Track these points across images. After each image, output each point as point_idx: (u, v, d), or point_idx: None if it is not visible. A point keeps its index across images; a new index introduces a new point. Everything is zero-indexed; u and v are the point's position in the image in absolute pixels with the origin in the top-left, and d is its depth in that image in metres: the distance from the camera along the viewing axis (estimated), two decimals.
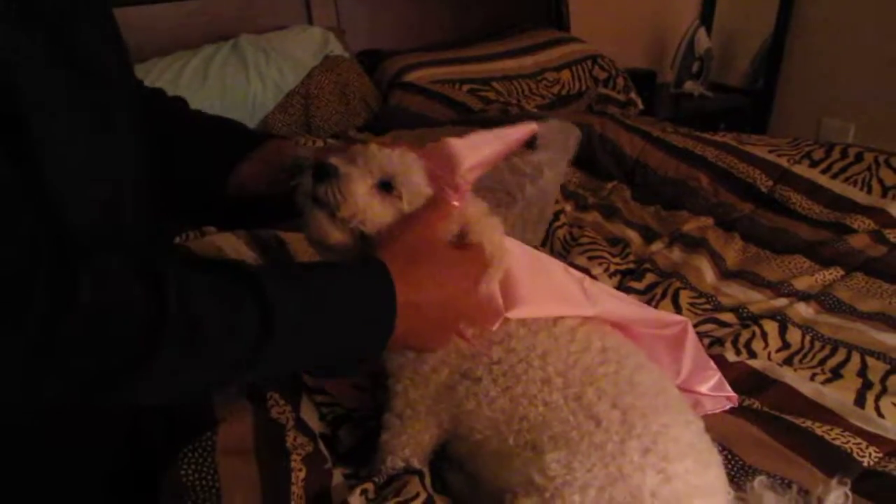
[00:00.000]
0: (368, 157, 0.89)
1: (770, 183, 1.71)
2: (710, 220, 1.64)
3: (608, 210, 1.71)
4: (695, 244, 1.54)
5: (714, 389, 1.07)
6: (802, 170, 1.71)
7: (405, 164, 0.89)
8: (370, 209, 0.85)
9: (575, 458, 0.83)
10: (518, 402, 0.88)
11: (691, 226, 1.61)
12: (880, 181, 1.64)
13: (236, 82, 2.18)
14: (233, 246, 1.42)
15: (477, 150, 0.92)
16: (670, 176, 1.81)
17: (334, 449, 1.04)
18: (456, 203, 0.90)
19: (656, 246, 1.55)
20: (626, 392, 0.87)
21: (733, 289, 1.40)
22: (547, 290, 0.96)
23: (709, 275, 1.44)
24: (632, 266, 1.47)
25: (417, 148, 0.93)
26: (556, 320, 0.92)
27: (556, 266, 1.01)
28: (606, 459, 0.82)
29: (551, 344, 0.90)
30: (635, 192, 1.81)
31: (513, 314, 0.91)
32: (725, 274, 1.46)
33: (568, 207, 1.71)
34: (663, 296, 1.34)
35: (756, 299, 1.36)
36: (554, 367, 0.88)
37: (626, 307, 1.03)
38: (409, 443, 0.97)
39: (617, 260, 1.47)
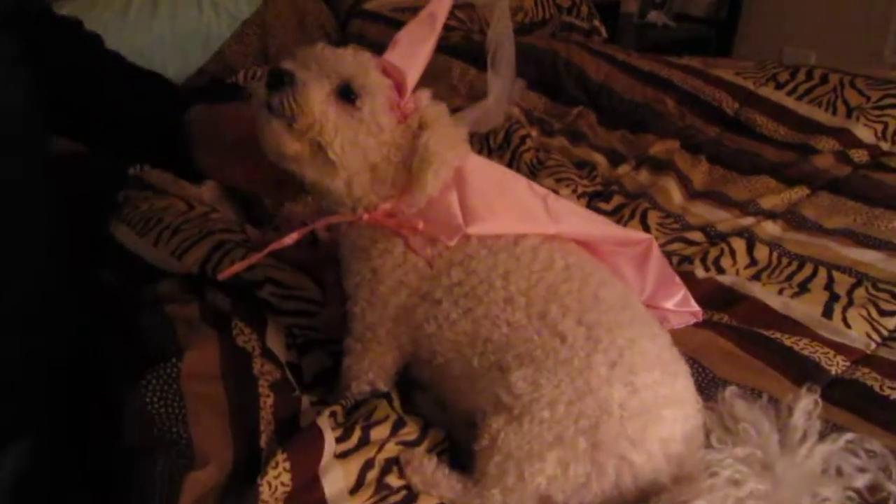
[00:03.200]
0: (322, 61, 0.84)
1: (736, 105, 1.71)
2: (676, 143, 1.63)
3: (574, 135, 1.69)
4: (662, 166, 1.53)
5: (679, 305, 1.06)
6: (768, 92, 1.70)
7: (361, 64, 0.85)
8: (327, 119, 0.82)
9: (541, 374, 0.82)
10: (480, 323, 0.86)
11: (658, 148, 1.59)
12: (845, 102, 1.64)
13: (188, 12, 2.08)
14: None
15: (414, 57, 0.88)
16: (636, 100, 1.79)
17: (301, 378, 1.02)
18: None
19: (623, 169, 1.54)
20: (590, 308, 0.85)
21: (700, 209, 1.40)
22: (509, 207, 0.93)
23: (676, 195, 1.44)
24: (599, 188, 1.46)
25: None
26: (518, 240, 0.90)
27: (519, 182, 0.98)
28: (573, 374, 0.81)
29: (513, 263, 0.88)
30: (601, 116, 1.78)
31: (472, 230, 0.88)
32: (692, 194, 1.46)
33: (534, 133, 1.68)
34: (631, 216, 1.33)
35: (723, 218, 1.36)
36: (516, 286, 0.86)
37: (591, 225, 1.01)
38: (371, 367, 0.95)
39: (585, 182, 1.45)
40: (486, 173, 0.94)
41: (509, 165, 1.52)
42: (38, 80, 0.84)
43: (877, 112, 1.61)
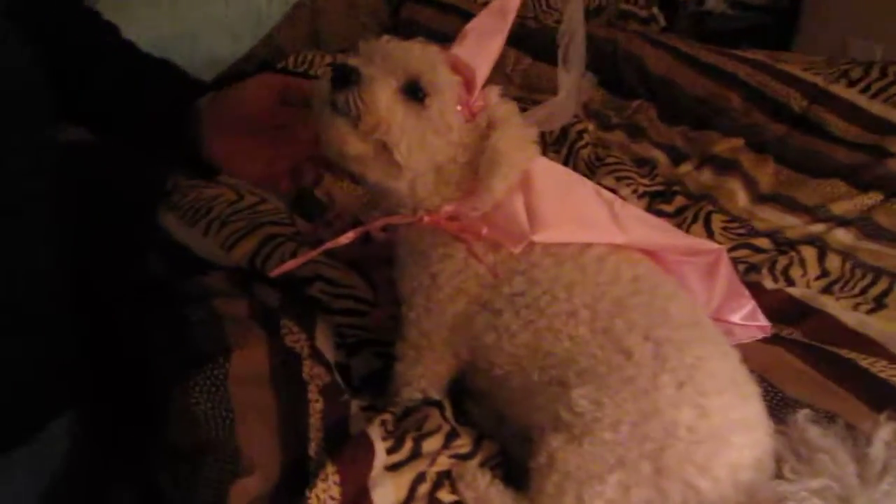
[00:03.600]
0: (387, 55, 0.80)
1: (805, 103, 1.62)
2: (740, 142, 1.56)
3: (633, 130, 1.63)
4: (726, 166, 1.46)
5: (746, 318, 1.00)
6: (839, 89, 1.61)
7: (429, 60, 0.81)
8: (394, 119, 0.78)
9: (604, 393, 0.78)
10: (542, 336, 0.82)
11: (722, 147, 1.53)
12: None
13: None
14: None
15: (484, 52, 0.84)
16: (699, 94, 1.71)
17: (350, 379, 0.99)
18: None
19: (685, 167, 1.48)
20: (658, 323, 0.81)
21: (768, 213, 1.33)
22: (576, 213, 0.88)
23: (741, 198, 1.37)
24: (660, 188, 1.40)
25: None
26: (584, 249, 0.85)
27: (585, 187, 0.94)
28: (638, 394, 0.77)
29: (578, 274, 0.83)
30: (661, 111, 1.71)
31: (539, 237, 0.84)
32: (759, 197, 1.39)
33: (591, 127, 1.62)
34: (694, 219, 1.28)
35: (792, 224, 1.29)
36: (581, 298, 0.82)
37: (658, 234, 0.96)
38: (424, 374, 0.92)
39: (645, 181, 1.40)
40: (553, 177, 0.90)
41: (565, 162, 1.47)
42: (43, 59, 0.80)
43: None
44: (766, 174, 1.45)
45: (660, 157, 1.52)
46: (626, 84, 1.80)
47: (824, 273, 1.16)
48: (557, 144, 1.53)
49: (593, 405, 0.79)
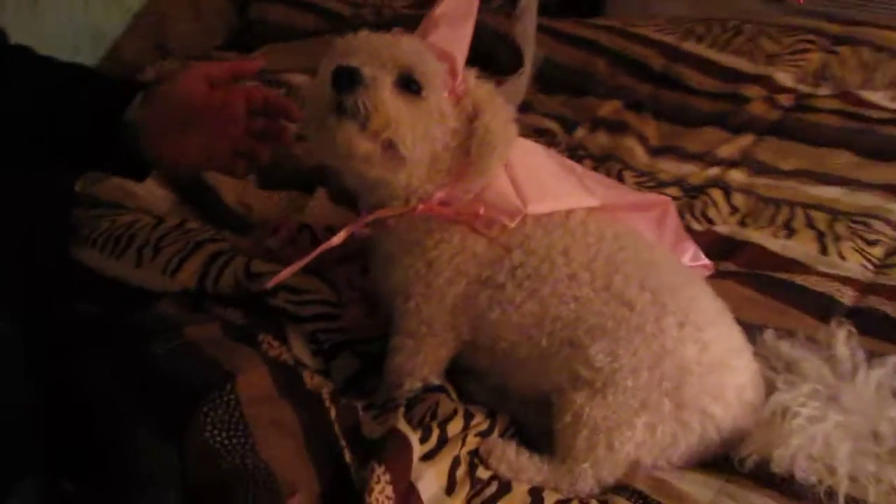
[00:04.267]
0: (373, 50, 0.80)
1: (663, 62, 1.76)
2: (618, 103, 1.67)
3: (519, 104, 1.69)
4: (617, 127, 1.56)
5: (693, 260, 1.10)
6: (691, 46, 1.77)
7: (418, 51, 0.81)
8: (401, 116, 0.78)
9: (617, 344, 0.83)
10: (547, 302, 0.86)
11: (606, 110, 1.63)
12: (762, 50, 1.74)
13: (73, 6, 1.89)
14: (148, 189, 1.26)
15: (459, 37, 0.86)
16: (569, 64, 1.81)
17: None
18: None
19: (580, 132, 1.57)
20: (649, 273, 0.87)
21: (666, 164, 1.45)
22: (555, 183, 0.93)
23: (640, 154, 1.48)
24: (566, 154, 1.47)
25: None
26: (567, 215, 0.90)
27: (552, 157, 0.99)
28: (648, 340, 0.83)
29: (570, 239, 0.88)
30: (538, 84, 1.79)
31: (531, 209, 0.87)
32: (654, 151, 1.50)
33: None
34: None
35: (691, 171, 1.41)
36: (577, 261, 0.87)
37: (615, 192, 1.03)
38: (426, 361, 0.92)
39: (552, 150, 1.46)
40: (526, 151, 0.93)
41: None
42: None
43: (792, 57, 1.72)
44: (651, 129, 1.57)
45: (552, 126, 1.59)
46: (500, 62, 1.85)
47: (734, 210, 1.28)
48: None
49: (610, 357, 0.84)
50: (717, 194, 1.31)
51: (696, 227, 1.22)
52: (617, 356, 0.84)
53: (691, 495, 0.83)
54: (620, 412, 0.83)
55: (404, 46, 0.81)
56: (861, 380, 0.89)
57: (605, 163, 1.42)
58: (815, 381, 0.89)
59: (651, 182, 1.38)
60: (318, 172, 1.25)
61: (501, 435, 0.91)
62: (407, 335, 0.92)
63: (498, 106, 0.86)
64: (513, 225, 0.87)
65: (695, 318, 0.86)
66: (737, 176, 1.38)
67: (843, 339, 0.95)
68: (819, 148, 1.47)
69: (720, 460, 0.86)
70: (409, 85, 0.80)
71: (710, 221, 1.24)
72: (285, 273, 0.87)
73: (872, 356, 0.92)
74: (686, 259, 1.09)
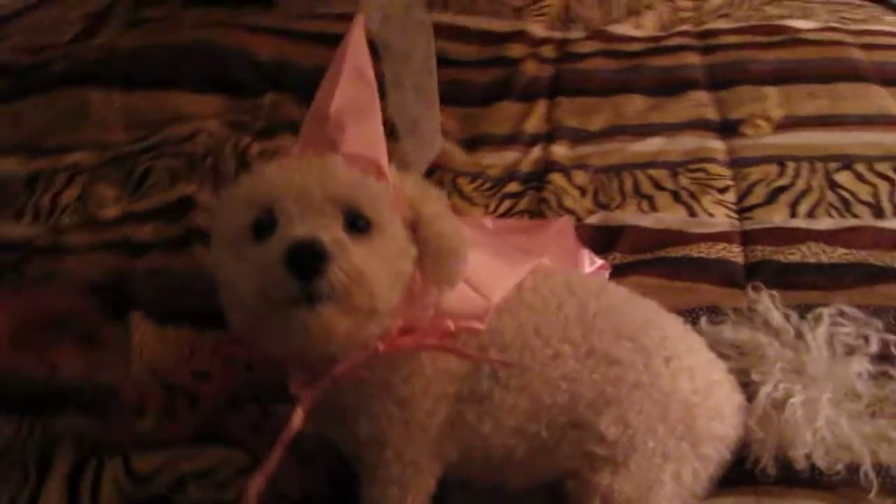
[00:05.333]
0: (303, 190, 0.63)
1: None
2: None
3: (294, 127, 1.49)
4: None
5: (591, 266, 1.07)
6: (439, 16, 1.69)
7: (353, 179, 0.65)
8: (378, 275, 0.62)
9: (624, 409, 0.78)
10: (539, 392, 0.78)
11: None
12: (506, 4, 1.72)
13: None
14: None
15: (373, 135, 0.71)
16: (320, 65, 1.62)
17: None
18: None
19: None
20: (614, 318, 0.82)
21: (487, 157, 1.36)
22: (494, 256, 0.82)
23: (457, 153, 1.38)
24: None
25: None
26: (518, 290, 0.81)
27: (470, 226, 0.87)
28: (648, 391, 0.79)
29: (535, 315, 0.80)
30: (290, 96, 1.59)
31: (495, 299, 0.77)
32: (465, 144, 1.41)
33: (246, 140, 1.43)
34: (452, 191, 1.26)
35: (515, 158, 1.36)
36: (554, 336, 0.79)
37: (522, 235, 0.95)
38: (415, 501, 0.80)
39: None
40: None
41: None
42: None
43: (536, 6, 1.72)
44: (450, 121, 1.47)
45: None
46: (238, 82, 1.62)
47: (583, 191, 1.25)
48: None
49: (622, 426, 0.78)
50: (557, 179, 1.27)
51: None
52: (628, 422, 0.78)
53: None
54: (649, 475, 0.79)
55: (335, 175, 0.64)
56: (812, 344, 0.92)
57: (432, 175, 1.31)
58: (775, 359, 0.91)
59: (486, 184, 1.30)
60: None
61: None
62: (389, 483, 0.78)
63: (434, 200, 0.72)
64: (484, 326, 0.75)
65: (672, 347, 0.83)
66: (560, 151, 1.35)
67: (769, 304, 0.98)
68: (609, 97, 1.49)
69: (736, 476, 0.84)
70: (357, 223, 0.64)
71: (572, 211, 1.21)
72: (260, 477, 0.68)
73: (801, 312, 0.95)
74: (587, 267, 1.05)
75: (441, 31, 1.59)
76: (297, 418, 0.69)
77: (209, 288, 1.11)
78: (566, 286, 0.83)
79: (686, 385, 0.81)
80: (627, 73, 1.56)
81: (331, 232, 0.61)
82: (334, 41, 1.56)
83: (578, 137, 1.40)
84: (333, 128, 0.68)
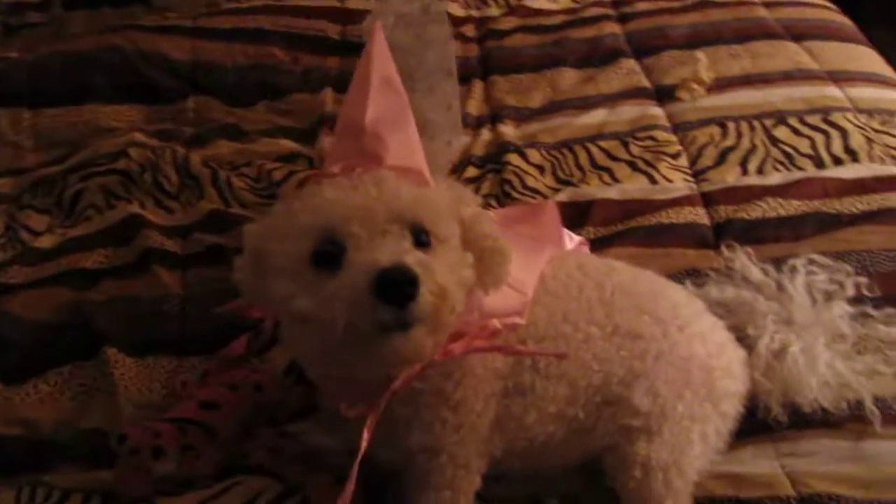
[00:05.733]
0: (368, 212, 0.62)
1: (339, 27, 1.64)
2: (330, 91, 1.50)
3: (220, 131, 1.42)
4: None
5: (571, 243, 1.09)
6: (357, 3, 1.66)
7: (412, 194, 0.63)
8: (454, 289, 0.62)
9: (652, 380, 0.82)
10: (576, 377, 0.80)
11: (328, 107, 1.46)
12: None
13: None
14: None
15: (411, 144, 0.71)
16: (239, 62, 1.57)
17: None
18: None
19: (326, 142, 1.39)
20: (631, 295, 0.85)
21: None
22: (518, 251, 0.82)
23: None
24: None
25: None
26: (543, 279, 0.82)
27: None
28: (670, 359, 0.83)
29: (564, 303, 0.82)
30: (232, 96, 1.52)
31: (531, 292, 0.79)
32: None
33: (177, 150, 1.35)
34: None
35: (465, 143, 1.35)
36: (581, 320, 0.81)
37: (523, 224, 0.95)
38: (466, 501, 0.81)
39: None
40: None
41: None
42: None
43: None
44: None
45: (290, 145, 1.38)
46: (155, 88, 1.52)
47: (541, 169, 1.27)
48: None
49: (653, 396, 0.82)
50: (514, 159, 1.28)
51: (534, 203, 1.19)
52: (658, 392, 0.82)
53: (757, 474, 0.86)
54: (681, 437, 0.83)
55: (397, 193, 0.62)
56: (795, 294, 0.98)
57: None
58: (765, 312, 0.96)
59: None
60: None
61: None
62: (442, 488, 0.78)
63: (470, 201, 0.72)
64: (524, 320, 0.76)
65: (683, 315, 0.87)
66: (508, 131, 1.36)
67: (746, 261, 1.03)
68: (542, 72, 1.51)
69: (749, 427, 0.90)
70: (420, 238, 0.62)
71: (534, 190, 1.22)
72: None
73: (776, 265, 1.02)
74: (568, 245, 1.07)
75: (353, 16, 1.59)
76: (364, 441, 0.67)
77: (180, 311, 1.09)
78: (579, 269, 0.85)
79: (700, 349, 0.85)
80: (553, 48, 1.58)
81: (410, 254, 0.59)
82: (250, 37, 1.58)
83: (521, 116, 1.41)
84: (372, 140, 0.66)
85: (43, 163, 1.37)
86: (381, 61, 0.69)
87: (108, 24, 1.67)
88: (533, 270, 0.80)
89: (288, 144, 1.38)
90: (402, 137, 0.68)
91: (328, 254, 0.60)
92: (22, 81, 1.47)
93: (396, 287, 0.56)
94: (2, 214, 1.27)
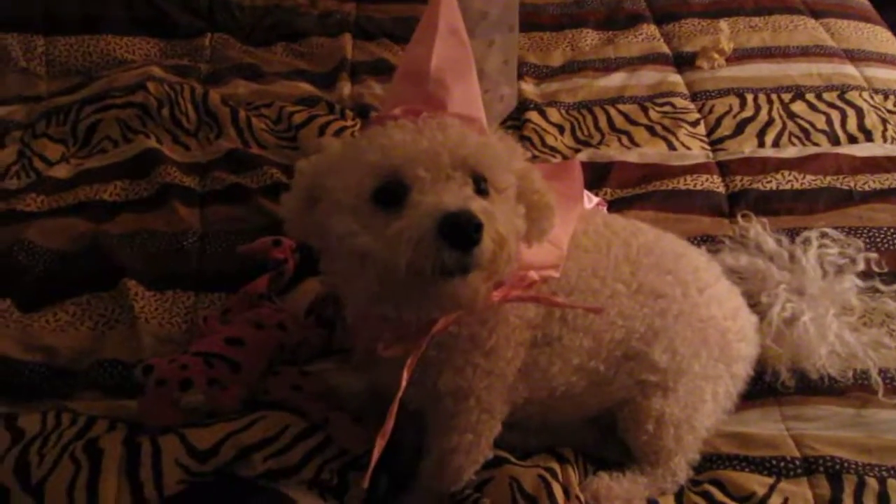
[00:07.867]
0: (434, 154, 0.62)
1: None
2: (348, 37, 1.50)
3: (237, 70, 1.42)
4: (377, 69, 1.42)
5: (590, 203, 1.11)
6: None
7: (476, 144, 0.65)
8: (511, 237, 0.63)
9: (671, 338, 0.84)
10: (601, 331, 0.82)
11: (353, 51, 1.45)
12: None
13: None
14: None
15: (471, 94, 0.72)
16: (258, 2, 1.55)
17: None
18: None
19: (347, 88, 1.39)
20: (655, 254, 0.87)
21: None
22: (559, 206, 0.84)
23: None
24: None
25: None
26: (574, 236, 0.83)
27: None
28: (689, 320, 0.85)
29: (591, 259, 0.83)
30: (250, 36, 1.51)
31: (565, 246, 0.80)
32: None
33: (196, 90, 1.34)
34: None
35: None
36: (610, 276, 0.83)
37: (553, 180, 0.96)
38: (487, 446, 0.84)
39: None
40: None
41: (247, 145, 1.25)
42: None
43: None
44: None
45: (308, 89, 1.38)
46: (172, 23, 1.50)
47: (560, 129, 1.28)
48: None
49: (670, 354, 0.85)
50: (535, 117, 1.29)
51: (555, 160, 1.20)
52: (676, 350, 0.84)
53: (763, 434, 0.89)
54: (694, 395, 0.86)
55: (463, 139, 0.63)
56: (807, 265, 1.00)
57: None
58: (778, 281, 0.99)
59: None
60: None
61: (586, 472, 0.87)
62: (466, 431, 0.80)
63: (521, 155, 0.73)
64: (559, 273, 0.78)
65: (703, 278, 0.89)
66: (529, 88, 1.37)
67: (760, 230, 1.06)
68: (562, 32, 1.51)
69: (757, 390, 0.93)
70: (480, 185, 0.64)
71: (554, 149, 1.23)
72: (376, 454, 0.68)
73: (791, 236, 1.04)
74: (588, 204, 1.09)
75: None
76: (404, 380, 0.69)
77: (199, 248, 1.10)
78: (607, 227, 0.86)
79: (717, 311, 0.87)
80: (575, 7, 1.58)
81: (474, 200, 0.60)
82: None
83: (542, 74, 1.42)
84: (436, 87, 0.66)
85: (56, 91, 1.36)
86: (448, 10, 0.69)
87: None
88: (567, 226, 0.81)
89: (307, 87, 1.37)
90: (464, 87, 0.68)
91: (391, 192, 0.61)
92: (37, 7, 1.44)
93: (462, 231, 0.57)
94: (15, 141, 1.26)
